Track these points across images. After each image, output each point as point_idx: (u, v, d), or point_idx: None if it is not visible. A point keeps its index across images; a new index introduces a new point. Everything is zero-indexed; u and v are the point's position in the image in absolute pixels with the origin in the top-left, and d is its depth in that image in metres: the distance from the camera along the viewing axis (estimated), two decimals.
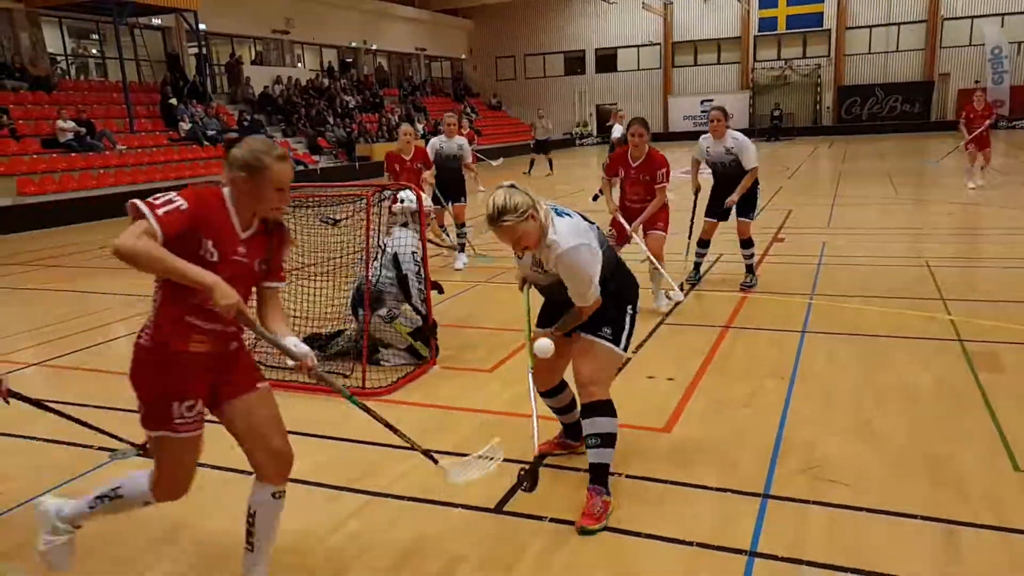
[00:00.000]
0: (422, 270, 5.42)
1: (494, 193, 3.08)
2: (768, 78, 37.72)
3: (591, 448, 3.33)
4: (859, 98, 36.59)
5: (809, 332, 5.85)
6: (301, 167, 22.85)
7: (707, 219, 7.41)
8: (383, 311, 5.33)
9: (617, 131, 14.18)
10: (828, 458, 3.73)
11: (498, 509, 3.38)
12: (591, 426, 3.32)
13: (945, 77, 35.14)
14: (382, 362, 5.31)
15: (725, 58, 38.71)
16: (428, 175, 8.28)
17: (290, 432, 4.25)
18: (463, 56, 41.60)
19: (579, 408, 3.48)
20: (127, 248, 2.24)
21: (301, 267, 5.87)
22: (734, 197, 7.06)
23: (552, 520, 3.26)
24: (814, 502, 3.31)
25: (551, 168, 21.40)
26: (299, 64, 30.48)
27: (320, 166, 23.55)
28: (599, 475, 3.32)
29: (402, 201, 5.59)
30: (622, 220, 6.50)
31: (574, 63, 41.07)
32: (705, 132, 7.33)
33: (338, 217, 5.43)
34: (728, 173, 7.17)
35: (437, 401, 4.72)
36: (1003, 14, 33.70)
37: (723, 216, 7.31)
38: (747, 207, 7.24)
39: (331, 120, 26.39)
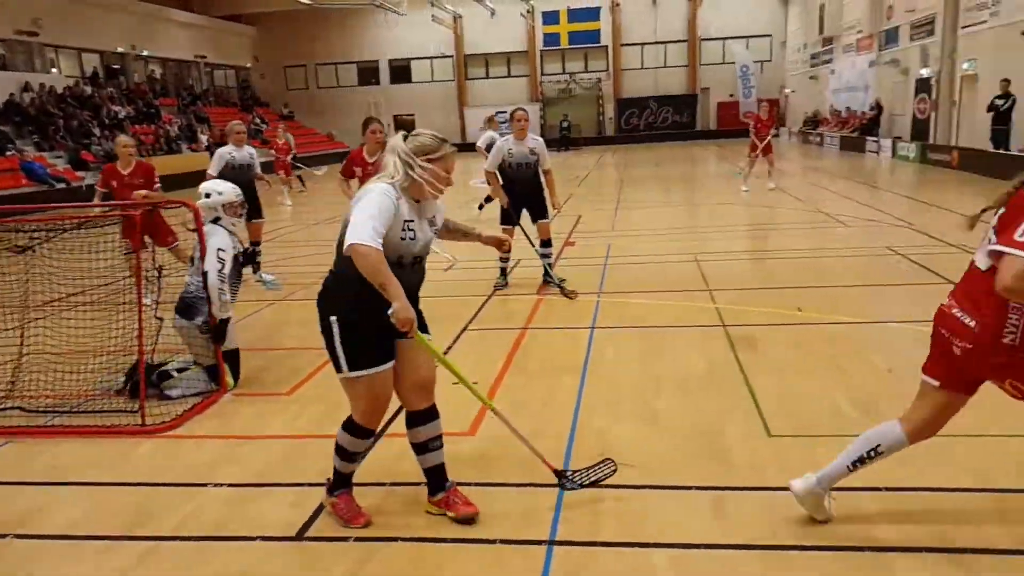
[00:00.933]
0: (227, 268, 4.94)
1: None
2: (555, 91, 39.78)
3: (437, 450, 3.34)
4: (636, 109, 39.65)
5: (598, 328, 6.23)
6: (63, 184, 20.71)
7: (504, 227, 7.65)
8: (199, 320, 4.96)
9: (486, 138, 12.70)
10: (618, 443, 3.99)
11: (299, 536, 3.27)
12: (436, 428, 3.33)
13: (706, 91, 39.12)
14: (166, 391, 4.92)
15: (515, 71, 40.33)
16: (143, 195, 7.30)
17: (53, 483, 3.88)
18: (248, 64, 39.88)
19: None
20: None
21: (62, 298, 5.33)
22: (557, 200, 7.64)
23: (357, 540, 3.21)
24: (606, 486, 3.52)
25: (303, 185, 20.49)
26: (53, 69, 27.48)
27: (86, 183, 21.29)
28: (443, 471, 3.38)
29: (207, 195, 5.19)
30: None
31: (368, 74, 40.87)
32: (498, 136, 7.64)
33: (24, 244, 4.93)
34: (525, 176, 7.51)
35: (230, 432, 4.46)
36: (748, 36, 38.13)
37: (516, 221, 7.62)
38: (542, 209, 7.65)
39: (97, 132, 24.13)
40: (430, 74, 40.63)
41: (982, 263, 2.65)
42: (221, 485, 3.75)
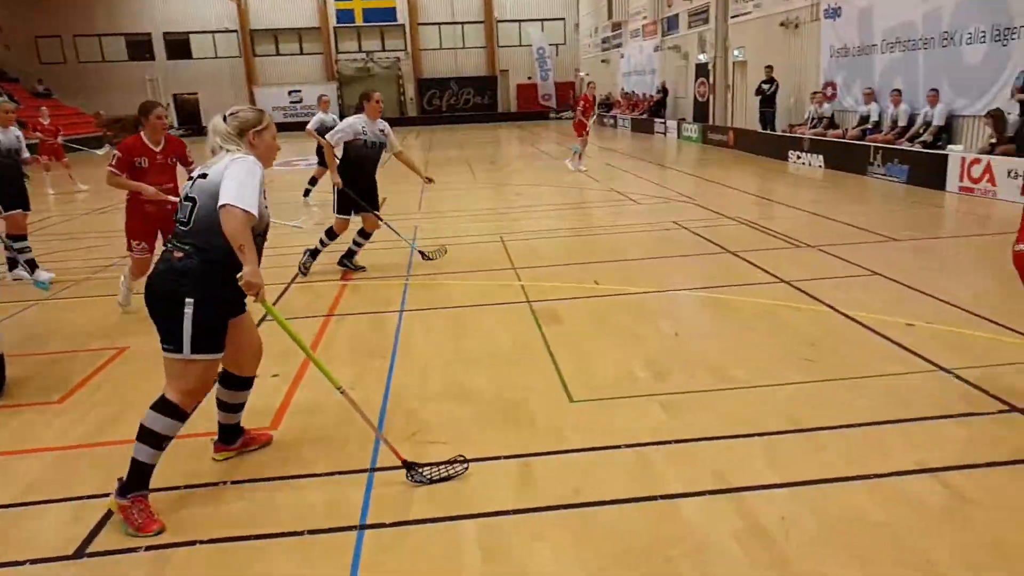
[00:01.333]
0: None
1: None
2: (353, 69, 38.78)
3: (243, 409, 3.68)
4: (438, 90, 39.68)
5: (407, 310, 6.19)
6: None
7: (341, 216, 7.32)
8: None
9: (316, 120, 12.46)
10: (428, 422, 4.00)
11: (79, 554, 2.96)
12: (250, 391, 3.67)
13: (505, 73, 39.94)
14: None
15: (308, 48, 38.79)
16: None
17: None
18: None
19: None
20: None
21: None
22: (426, 174, 7.75)
23: (148, 549, 2.96)
24: (418, 465, 3.51)
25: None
26: None
27: None
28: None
29: None
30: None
31: (139, 48, 37.41)
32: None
33: None
34: (375, 158, 7.36)
35: None
36: (543, 20, 39.36)
37: (357, 210, 7.33)
38: (376, 199, 7.50)
39: None
40: (213, 50, 37.98)
41: None
42: None
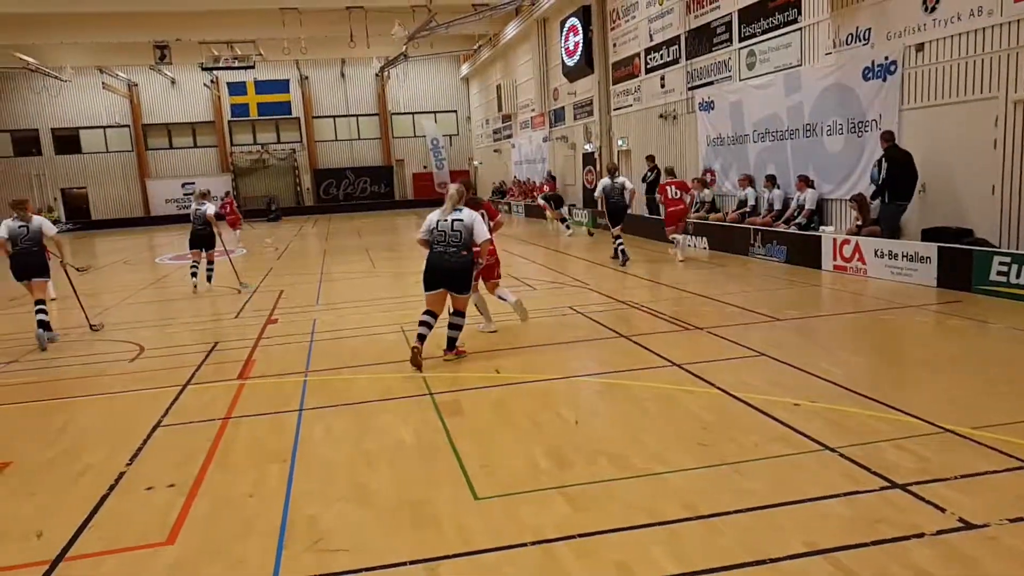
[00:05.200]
0: None
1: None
2: (247, 161, 38.65)
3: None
4: (334, 180, 39.97)
5: (306, 409, 6.07)
6: None
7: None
8: None
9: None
10: (330, 529, 3.90)
11: None
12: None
13: (401, 162, 40.73)
14: None
15: (201, 141, 38.55)
16: None
17: None
18: None
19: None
20: None
21: None
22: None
23: None
24: None
25: None
26: None
27: None
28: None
29: None
30: None
31: (27, 143, 36.55)
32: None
33: None
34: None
35: None
36: (435, 112, 40.67)
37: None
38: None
39: None
40: (104, 144, 37.24)
41: None
42: None
